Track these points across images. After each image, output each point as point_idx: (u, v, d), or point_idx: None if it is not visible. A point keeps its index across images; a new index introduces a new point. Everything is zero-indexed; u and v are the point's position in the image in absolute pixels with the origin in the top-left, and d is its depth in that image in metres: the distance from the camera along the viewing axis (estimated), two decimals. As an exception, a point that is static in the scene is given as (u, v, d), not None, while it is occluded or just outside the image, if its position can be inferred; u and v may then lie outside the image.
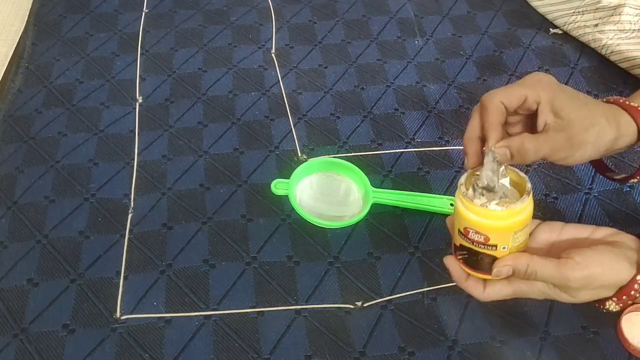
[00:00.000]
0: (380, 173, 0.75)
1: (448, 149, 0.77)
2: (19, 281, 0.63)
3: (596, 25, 0.90)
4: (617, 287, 0.48)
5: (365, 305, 0.62)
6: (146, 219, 0.69)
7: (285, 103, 0.83)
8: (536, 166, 0.75)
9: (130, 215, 0.70)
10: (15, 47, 0.95)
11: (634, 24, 0.88)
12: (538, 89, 0.47)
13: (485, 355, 0.58)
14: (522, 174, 0.48)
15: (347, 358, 0.58)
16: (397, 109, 0.83)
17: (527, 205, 0.46)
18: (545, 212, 0.70)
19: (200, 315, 0.61)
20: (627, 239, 0.50)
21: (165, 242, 0.67)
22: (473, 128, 0.49)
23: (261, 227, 0.68)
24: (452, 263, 0.51)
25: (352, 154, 0.77)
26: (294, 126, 0.80)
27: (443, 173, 0.74)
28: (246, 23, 0.97)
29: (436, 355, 0.58)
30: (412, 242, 0.67)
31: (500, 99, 0.47)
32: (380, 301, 0.62)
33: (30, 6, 1.03)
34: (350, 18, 0.99)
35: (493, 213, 0.45)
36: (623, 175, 0.55)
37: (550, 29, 0.95)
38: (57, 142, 0.78)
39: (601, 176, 0.70)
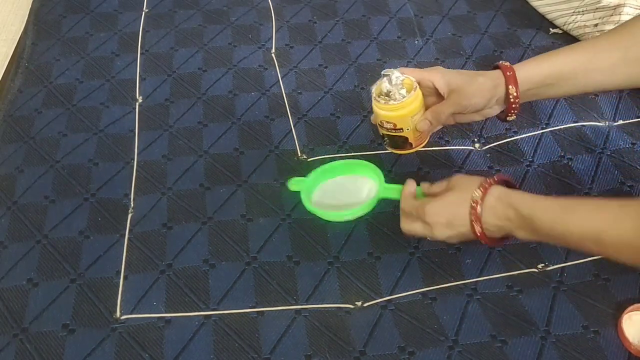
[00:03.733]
0: (380, 173, 0.75)
1: (448, 149, 0.77)
2: (19, 281, 0.63)
3: (596, 25, 0.90)
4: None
5: (365, 305, 0.62)
6: (146, 219, 0.69)
7: (285, 103, 0.83)
8: (536, 167, 0.75)
9: (130, 215, 0.70)
10: (15, 47, 0.95)
11: (634, 23, 0.88)
12: (432, 72, 0.66)
13: (485, 355, 0.58)
14: (412, 79, 0.65)
15: (347, 358, 0.58)
16: (397, 109, 0.83)
17: (414, 98, 0.64)
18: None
19: (200, 315, 0.61)
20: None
21: (165, 242, 0.67)
22: None
23: (261, 227, 0.68)
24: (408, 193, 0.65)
25: (352, 153, 0.77)
26: (294, 126, 0.80)
27: (443, 173, 0.74)
28: (246, 23, 0.97)
29: (436, 355, 0.58)
30: (412, 242, 0.67)
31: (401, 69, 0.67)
32: (380, 301, 0.62)
33: (30, 6, 1.03)
34: (350, 18, 0.99)
35: (392, 107, 0.64)
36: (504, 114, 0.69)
37: (550, 29, 0.95)
38: (57, 142, 0.78)
39: (601, 176, 0.74)
